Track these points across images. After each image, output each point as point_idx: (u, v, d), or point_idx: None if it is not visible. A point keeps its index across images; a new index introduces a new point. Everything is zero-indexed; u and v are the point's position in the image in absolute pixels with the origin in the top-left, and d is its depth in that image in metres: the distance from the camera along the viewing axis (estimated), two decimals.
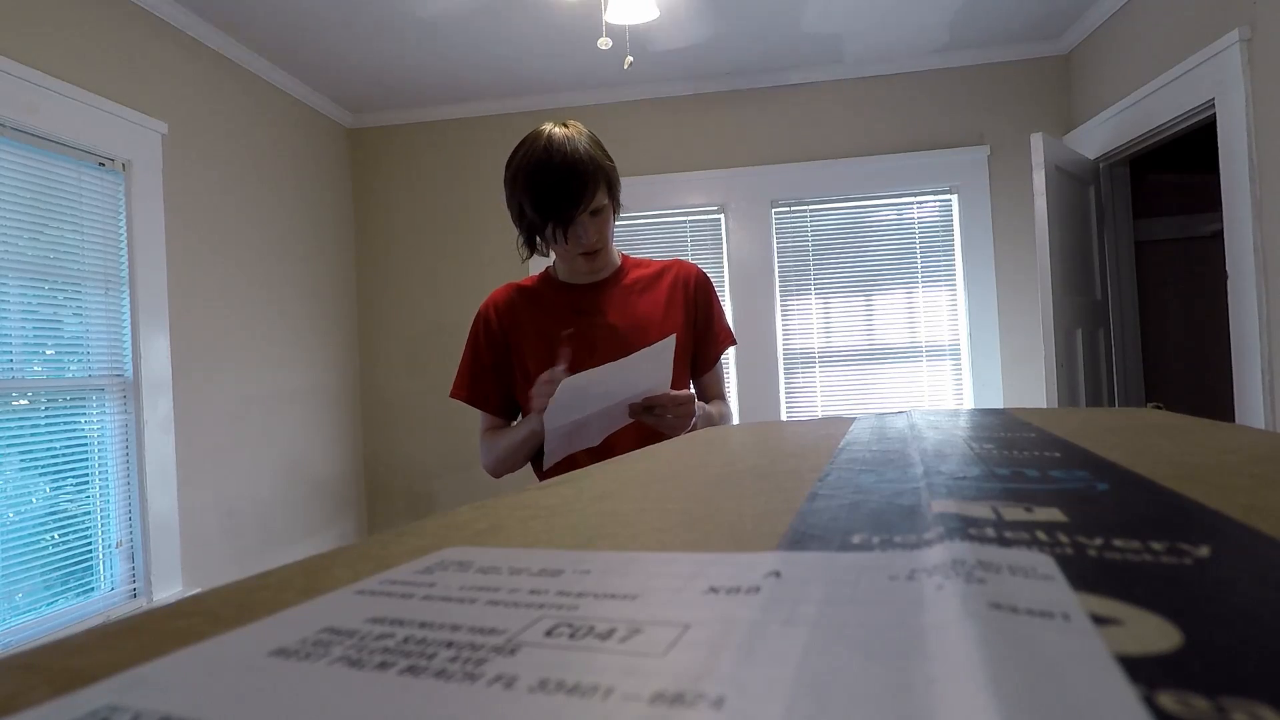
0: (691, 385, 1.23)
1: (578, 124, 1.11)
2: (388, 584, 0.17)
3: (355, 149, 3.34)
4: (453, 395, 1.20)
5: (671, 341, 0.99)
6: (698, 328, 1.21)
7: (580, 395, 0.99)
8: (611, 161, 1.13)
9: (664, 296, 1.18)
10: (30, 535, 1.85)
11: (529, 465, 1.19)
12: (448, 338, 3.21)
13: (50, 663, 0.13)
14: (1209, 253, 3.01)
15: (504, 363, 1.18)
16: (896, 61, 2.97)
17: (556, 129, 1.08)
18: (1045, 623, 0.11)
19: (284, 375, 2.81)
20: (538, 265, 2.62)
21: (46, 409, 1.92)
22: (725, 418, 1.21)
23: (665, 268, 1.22)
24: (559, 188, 1.05)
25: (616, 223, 1.19)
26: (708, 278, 1.24)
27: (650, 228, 3.15)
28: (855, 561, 0.16)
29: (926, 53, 2.93)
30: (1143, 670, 0.09)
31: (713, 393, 1.25)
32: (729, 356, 3.02)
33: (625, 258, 1.23)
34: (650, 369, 0.99)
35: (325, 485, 3.04)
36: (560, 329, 1.15)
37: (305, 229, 2.98)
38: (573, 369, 1.09)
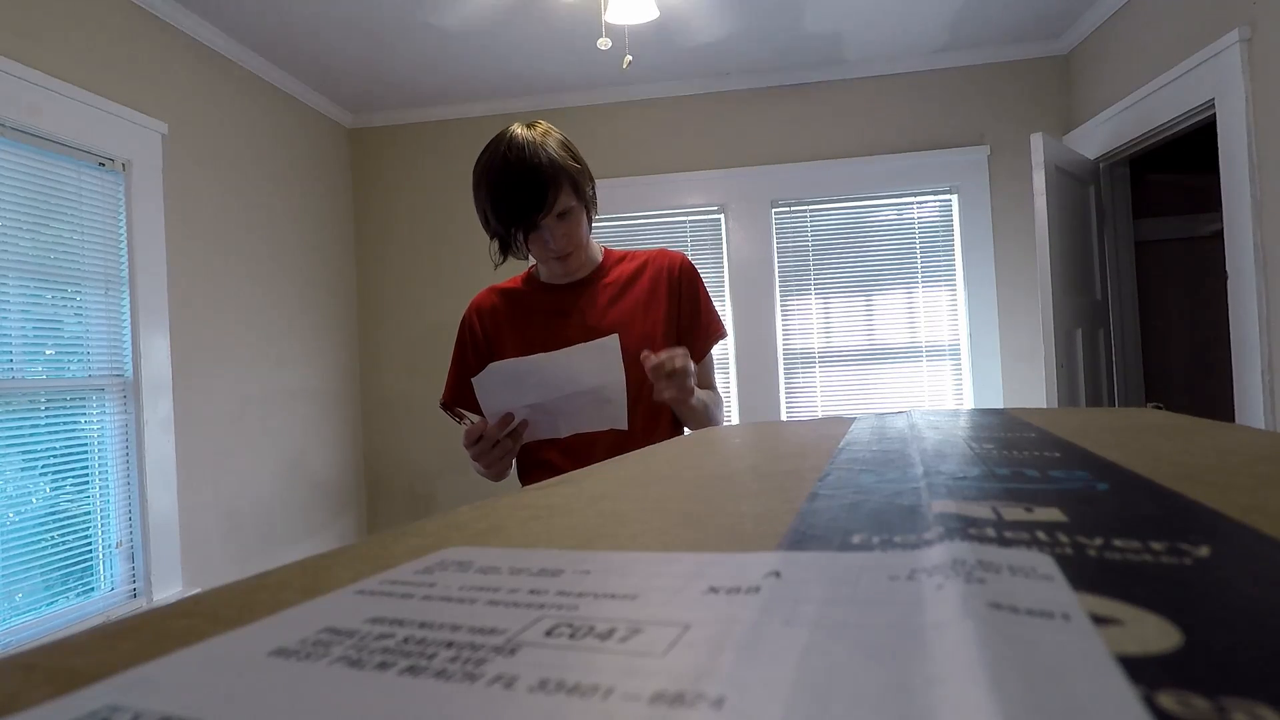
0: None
1: (545, 124, 1.08)
2: (388, 584, 0.17)
3: (355, 149, 3.34)
4: (442, 401, 1.18)
5: (614, 340, 0.96)
6: (683, 320, 1.15)
7: (512, 382, 0.97)
8: (579, 163, 1.08)
9: (645, 292, 1.14)
10: (30, 535, 1.85)
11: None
12: (448, 338, 3.17)
13: (50, 663, 0.13)
14: (1209, 253, 3.01)
15: None
16: (896, 61, 2.96)
17: (519, 131, 1.05)
18: (1045, 623, 0.11)
19: (284, 375, 2.80)
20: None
21: (46, 409, 1.91)
22: (718, 405, 1.18)
23: (647, 261, 1.17)
24: (518, 193, 1.02)
25: (599, 222, 1.17)
26: (692, 266, 1.18)
27: (650, 228, 3.15)
28: (855, 561, 0.16)
29: (926, 53, 2.93)
30: (1143, 670, 0.09)
31: (703, 384, 1.22)
32: (727, 354, 3.02)
33: (608, 253, 1.19)
34: (595, 366, 0.96)
35: (325, 485, 3.04)
36: (541, 331, 1.12)
37: (305, 229, 2.98)
38: None
